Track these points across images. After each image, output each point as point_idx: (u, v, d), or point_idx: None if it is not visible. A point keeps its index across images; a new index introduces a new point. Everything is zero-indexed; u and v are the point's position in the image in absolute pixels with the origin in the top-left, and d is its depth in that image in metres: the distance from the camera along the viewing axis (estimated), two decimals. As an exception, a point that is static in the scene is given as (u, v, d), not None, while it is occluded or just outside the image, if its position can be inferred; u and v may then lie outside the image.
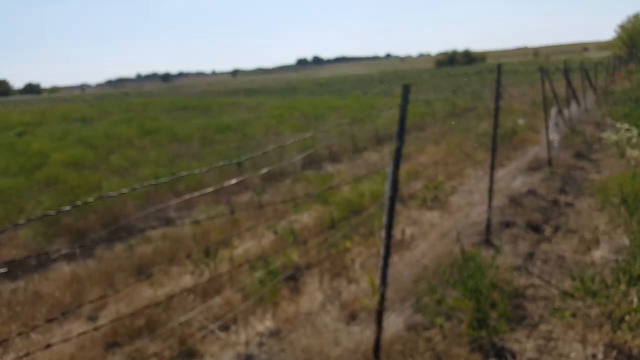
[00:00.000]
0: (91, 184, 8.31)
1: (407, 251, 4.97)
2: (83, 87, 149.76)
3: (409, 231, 5.89)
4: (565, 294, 4.03)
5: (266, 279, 4.64)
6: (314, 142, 12.85)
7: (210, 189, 2.97)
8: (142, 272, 5.60)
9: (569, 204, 6.82)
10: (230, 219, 7.46)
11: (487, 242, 5.43)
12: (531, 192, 7.08)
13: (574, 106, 14.83)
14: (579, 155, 9.68)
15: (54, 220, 6.87)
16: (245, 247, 6.30)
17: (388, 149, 12.07)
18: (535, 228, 5.89)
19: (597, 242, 5.28)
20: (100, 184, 8.34)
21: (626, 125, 8.05)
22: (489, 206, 5.51)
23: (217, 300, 4.61)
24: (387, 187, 4.62)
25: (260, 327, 4.10)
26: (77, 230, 6.99)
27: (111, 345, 3.98)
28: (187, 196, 3.15)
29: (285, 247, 5.72)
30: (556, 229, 5.88)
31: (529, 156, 8.75)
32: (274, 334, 3.93)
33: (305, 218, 7.39)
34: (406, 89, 3.21)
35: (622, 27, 47.95)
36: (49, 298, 4.93)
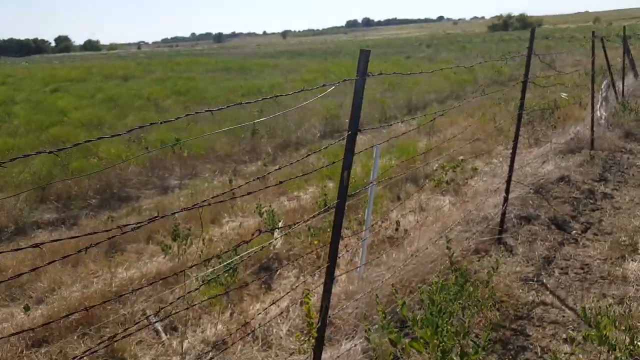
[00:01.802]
0: (91, 146, 7.84)
1: (395, 250, 4.16)
2: (139, 45, 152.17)
3: (408, 222, 5.04)
4: (582, 321, 3.13)
5: (233, 271, 3.98)
6: (338, 110, 11.92)
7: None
8: (115, 249, 5.07)
9: (607, 196, 5.73)
10: (228, 191, 6.82)
11: (500, 241, 4.52)
12: (563, 179, 6.02)
13: (630, 78, 13.10)
14: (628, 136, 8.36)
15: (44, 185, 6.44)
16: (232, 225, 5.67)
17: (417, 120, 11.00)
18: (560, 225, 4.90)
19: (634, 249, 4.27)
20: (101, 148, 7.85)
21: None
22: (505, 199, 4.56)
23: (177, 292, 4.01)
24: (372, 172, 3.80)
25: (208, 333, 3.46)
26: (67, 197, 6.55)
27: (38, 343, 3.45)
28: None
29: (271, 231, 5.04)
30: (586, 228, 4.87)
31: (569, 135, 7.56)
32: (218, 345, 3.28)
33: (306, 196, 6.66)
34: (364, 56, 2.35)
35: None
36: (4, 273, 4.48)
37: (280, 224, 5.22)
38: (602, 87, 9.01)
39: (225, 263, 3.75)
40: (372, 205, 3.64)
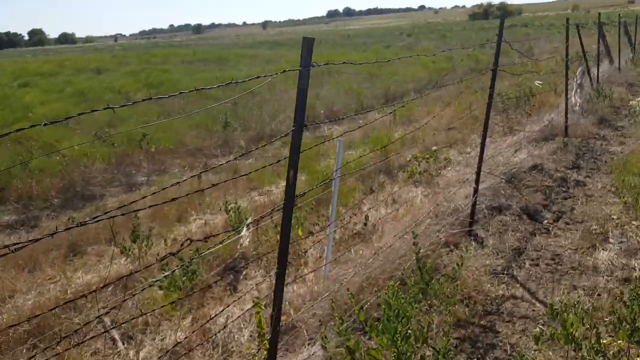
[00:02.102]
0: (55, 143, 7.55)
1: (364, 246, 4.03)
2: (116, 38, 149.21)
3: (379, 215, 4.92)
4: (551, 315, 3.04)
5: (196, 272, 3.81)
6: (314, 101, 11.73)
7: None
8: (75, 251, 4.86)
9: (579, 183, 5.68)
10: (197, 187, 6.62)
11: (470, 233, 4.42)
12: (536, 167, 5.95)
13: (605, 64, 13.15)
14: (602, 122, 8.36)
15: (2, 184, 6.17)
16: (199, 223, 5.48)
17: (392, 109, 10.87)
18: (532, 215, 4.83)
19: (605, 238, 4.21)
20: (63, 144, 7.55)
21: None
22: (475, 190, 4.46)
23: (137, 297, 3.83)
24: (336, 166, 3.65)
25: (167, 340, 3.30)
26: (28, 197, 6.28)
27: (-18, 356, 3.25)
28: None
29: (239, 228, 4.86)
30: (558, 217, 4.81)
31: (543, 123, 7.51)
32: (177, 353, 3.11)
33: (278, 190, 6.49)
34: (307, 45, 2.18)
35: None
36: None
37: (249, 221, 5.05)
38: (577, 74, 8.98)
39: (180, 266, 3.57)
40: (336, 200, 3.49)
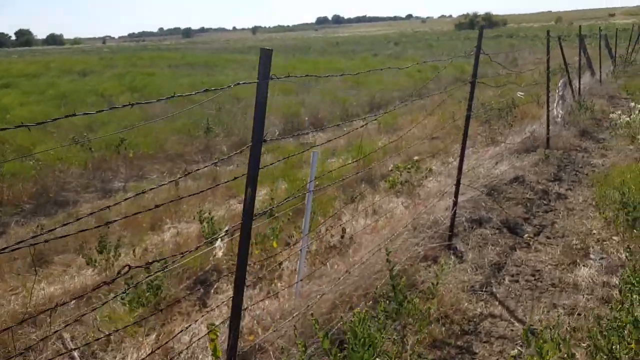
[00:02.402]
0: (30, 147, 7.29)
1: (341, 260, 3.87)
2: (104, 40, 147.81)
3: (359, 226, 4.77)
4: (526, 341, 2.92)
5: (160, 287, 3.61)
6: (299, 108, 11.60)
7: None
8: (42, 260, 4.63)
9: (561, 196, 5.60)
10: (175, 194, 6.41)
11: (450, 246, 4.30)
12: (518, 179, 5.86)
13: (587, 76, 13.23)
14: (584, 134, 8.33)
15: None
16: (174, 232, 5.27)
17: (380, 118, 10.76)
18: (512, 228, 4.72)
19: (586, 254, 4.11)
20: (38, 148, 7.30)
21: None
22: (454, 202, 4.34)
23: (100, 311, 3.61)
24: (309, 179, 3.49)
25: (129, 359, 3.10)
26: (-2, 202, 6.02)
27: None
28: None
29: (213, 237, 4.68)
30: (539, 231, 4.70)
31: (525, 134, 7.45)
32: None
33: (259, 198, 6.30)
34: (266, 57, 2.03)
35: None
36: None
37: (224, 230, 4.87)
38: (559, 85, 8.96)
39: (145, 280, 3.38)
40: (309, 215, 3.33)
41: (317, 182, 6.03)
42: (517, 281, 3.82)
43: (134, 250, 4.29)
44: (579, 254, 4.11)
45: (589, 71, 13.34)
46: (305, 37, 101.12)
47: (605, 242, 4.27)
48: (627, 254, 3.92)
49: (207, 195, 6.30)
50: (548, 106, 7.34)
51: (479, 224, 4.72)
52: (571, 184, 6.00)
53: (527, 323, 3.23)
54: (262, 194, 6.47)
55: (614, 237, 4.31)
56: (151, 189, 2.54)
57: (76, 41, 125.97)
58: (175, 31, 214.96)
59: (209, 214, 4.60)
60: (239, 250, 2.09)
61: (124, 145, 7.59)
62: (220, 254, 4.47)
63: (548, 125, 7.29)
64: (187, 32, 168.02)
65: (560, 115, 8.51)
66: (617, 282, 3.64)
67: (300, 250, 3.28)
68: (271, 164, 3.57)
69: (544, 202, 5.41)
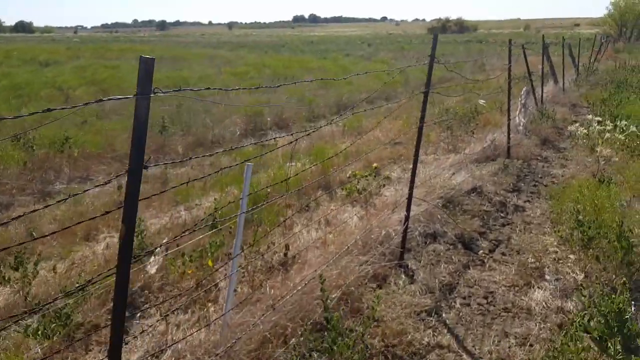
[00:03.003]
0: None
1: (282, 282, 3.51)
2: (76, 30, 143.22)
3: (310, 239, 4.42)
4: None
5: (70, 316, 3.15)
6: (262, 107, 11.16)
7: None
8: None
9: (518, 208, 5.38)
10: (117, 197, 5.92)
11: (401, 264, 3.99)
12: (476, 190, 5.62)
13: (551, 84, 13.23)
14: (545, 143, 8.21)
15: None
16: (108, 243, 4.81)
17: (344, 120, 10.42)
18: (467, 244, 4.45)
19: (541, 274, 3.87)
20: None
21: (598, 118, 6.55)
22: (406, 217, 4.03)
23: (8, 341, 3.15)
24: (242, 198, 3.10)
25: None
26: None
27: None
28: None
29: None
30: (494, 247, 4.45)
31: (486, 142, 7.24)
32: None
33: (208, 204, 5.89)
34: (146, 67, 1.64)
35: (613, 4, 45.44)
36: None
37: (164, 242, 4.45)
38: (522, 93, 8.82)
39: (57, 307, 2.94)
40: (241, 238, 2.94)
41: (269, 190, 5.69)
42: (468, 304, 3.54)
43: (54, 268, 3.82)
44: (533, 274, 3.87)
45: (553, 79, 13.35)
46: (281, 35, 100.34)
47: (560, 262, 4.04)
48: (583, 275, 3.70)
49: (152, 201, 5.85)
50: (509, 115, 7.15)
51: (434, 239, 4.43)
52: (530, 196, 5.80)
53: (476, 355, 2.95)
54: (211, 199, 6.05)
55: (570, 256, 4.08)
56: (85, 191, 2.17)
57: (47, 30, 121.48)
58: (149, 23, 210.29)
59: (143, 224, 4.16)
60: (113, 306, 1.69)
61: (69, 143, 7.03)
62: (153, 270, 4.05)
63: (509, 134, 7.10)
64: (162, 25, 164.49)
65: (522, 124, 8.37)
66: (571, 306, 3.41)
67: (230, 275, 2.90)
68: (207, 175, 3.19)
69: (502, 214, 5.18)
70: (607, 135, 5.99)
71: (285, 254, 3.86)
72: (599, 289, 3.52)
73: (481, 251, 4.33)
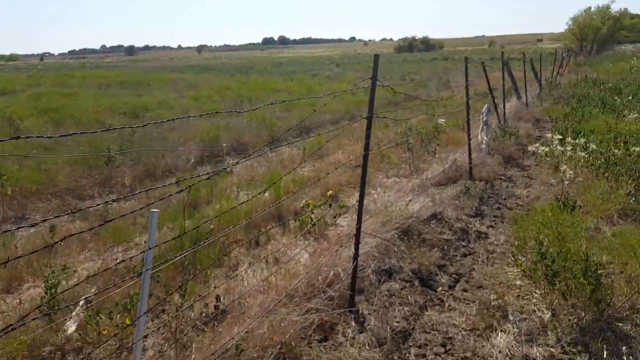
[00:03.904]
0: None
1: (212, 342, 3.04)
2: (42, 57, 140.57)
3: (254, 280, 3.97)
4: None
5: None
6: (220, 132, 10.73)
7: None
8: None
9: (481, 235, 5.05)
10: (49, 239, 5.35)
11: (351, 310, 3.57)
12: (436, 217, 5.28)
13: (514, 100, 13.23)
14: (509, 161, 8.00)
15: None
16: (35, 292, 4.26)
17: (305, 144, 10.07)
18: (425, 280, 4.07)
19: (504, 314, 3.50)
20: None
21: (559, 136, 6.35)
22: (355, 256, 3.63)
23: None
24: (146, 252, 2.63)
25: None
26: None
27: None
28: None
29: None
30: (455, 281, 4.08)
31: (447, 163, 6.96)
32: None
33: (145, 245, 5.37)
34: None
35: (573, 19, 47.05)
36: None
37: (84, 296, 3.93)
38: (483, 111, 8.63)
39: None
40: (146, 299, 2.47)
41: (221, 220, 5.22)
42: (424, 355, 3.13)
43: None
44: (496, 314, 3.50)
45: (516, 95, 13.35)
46: (250, 57, 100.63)
47: (525, 298, 3.69)
48: (550, 314, 3.35)
49: (86, 242, 5.31)
50: (469, 134, 6.90)
51: (389, 276, 4.04)
52: (493, 220, 5.49)
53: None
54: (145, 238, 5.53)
55: (535, 291, 3.74)
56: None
57: (12, 57, 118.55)
58: (118, 49, 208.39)
59: (61, 273, 3.64)
60: None
61: (1, 180, 6.44)
62: (72, 328, 3.54)
63: (470, 154, 6.84)
64: (131, 50, 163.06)
65: (484, 142, 8.15)
66: (537, 353, 3.04)
67: (135, 343, 2.42)
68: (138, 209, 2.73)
69: (463, 243, 4.84)
70: (570, 153, 5.78)
71: (216, 307, 3.39)
72: (567, 330, 3.18)
73: (440, 288, 3.95)
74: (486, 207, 5.87)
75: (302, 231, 5.23)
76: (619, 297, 3.45)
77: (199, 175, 2.91)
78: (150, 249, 2.48)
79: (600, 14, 44.85)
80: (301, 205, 5.92)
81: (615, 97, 11.54)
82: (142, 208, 2.63)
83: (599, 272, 3.28)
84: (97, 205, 6.23)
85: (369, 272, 3.97)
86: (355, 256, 3.58)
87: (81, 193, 7.14)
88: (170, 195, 3.31)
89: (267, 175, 8.46)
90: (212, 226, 4.95)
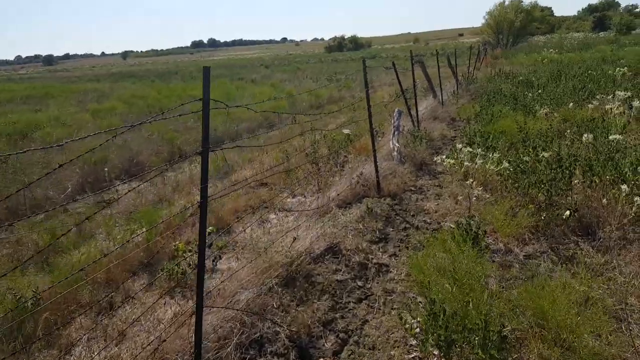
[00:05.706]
0: None
1: None
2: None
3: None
4: None
5: None
6: (107, 152, 9.44)
7: None
8: None
9: (382, 269, 4.30)
10: None
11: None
12: (332, 250, 4.48)
13: (430, 99, 12.84)
14: (421, 168, 7.39)
15: None
16: None
17: (210, 162, 8.97)
18: (305, 347, 3.23)
19: (393, 394, 2.72)
20: None
21: (468, 148, 5.78)
22: (196, 343, 2.71)
23: None
24: None
25: None
26: None
27: None
28: None
29: None
30: (342, 344, 3.27)
31: (353, 178, 6.21)
32: None
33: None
34: None
35: (490, 13, 48.63)
36: None
37: None
38: (394, 115, 8.01)
39: None
40: None
41: (83, 273, 4.12)
42: None
43: None
44: (384, 394, 2.71)
45: (432, 93, 12.98)
46: (177, 62, 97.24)
47: (421, 364, 2.94)
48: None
49: None
50: (374, 144, 6.19)
51: (259, 350, 3.16)
52: (398, 246, 4.77)
53: None
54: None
55: (435, 352, 3.00)
56: None
57: None
58: (36, 59, 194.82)
59: None
60: None
61: None
62: None
63: (376, 167, 6.13)
64: (49, 60, 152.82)
65: (396, 149, 7.51)
66: None
67: None
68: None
69: (359, 283, 4.05)
70: (479, 162, 5.18)
71: None
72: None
73: (322, 359, 3.12)
74: (392, 229, 5.15)
75: (171, 283, 4.24)
76: None
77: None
78: None
79: (513, 7, 46.67)
80: (173, 245, 4.91)
81: (527, 92, 11.38)
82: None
83: (504, 333, 2.57)
84: None
85: (230, 349, 3.06)
86: (198, 344, 2.66)
87: None
88: None
89: (154, 204, 7.39)
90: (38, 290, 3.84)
